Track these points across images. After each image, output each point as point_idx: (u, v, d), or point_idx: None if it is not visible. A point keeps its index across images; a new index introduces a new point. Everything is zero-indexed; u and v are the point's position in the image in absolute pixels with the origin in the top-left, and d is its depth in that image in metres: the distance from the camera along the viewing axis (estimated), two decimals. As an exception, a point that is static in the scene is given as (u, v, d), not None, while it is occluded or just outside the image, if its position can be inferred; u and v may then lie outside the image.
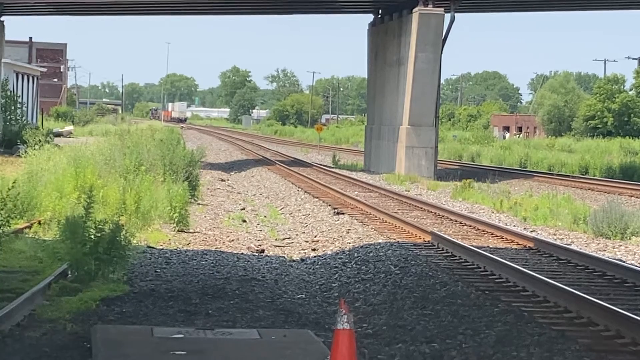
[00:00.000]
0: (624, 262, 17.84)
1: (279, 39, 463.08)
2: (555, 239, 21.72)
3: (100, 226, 14.30)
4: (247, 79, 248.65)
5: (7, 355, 9.76)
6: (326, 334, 10.90)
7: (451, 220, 25.19)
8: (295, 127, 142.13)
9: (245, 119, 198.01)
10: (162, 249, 18.56)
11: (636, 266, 17.40)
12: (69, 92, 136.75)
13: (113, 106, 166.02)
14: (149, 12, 66.74)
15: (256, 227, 24.35)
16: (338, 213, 26.69)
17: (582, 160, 54.58)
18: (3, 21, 53.68)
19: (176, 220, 21.95)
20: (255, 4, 58.31)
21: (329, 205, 29.04)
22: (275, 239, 22.15)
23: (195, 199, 28.60)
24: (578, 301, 13.04)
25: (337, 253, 19.54)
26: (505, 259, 17.07)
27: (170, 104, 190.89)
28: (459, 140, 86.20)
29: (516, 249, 19.97)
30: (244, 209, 28.51)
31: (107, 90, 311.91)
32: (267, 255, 19.16)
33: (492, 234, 22.09)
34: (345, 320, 7.59)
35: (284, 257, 19.24)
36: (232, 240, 21.02)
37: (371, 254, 18.77)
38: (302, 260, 18.96)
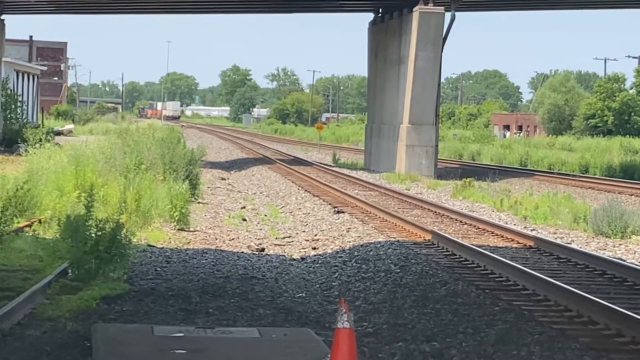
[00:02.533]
0: (624, 260, 17.85)
1: (280, 38, 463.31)
2: (556, 238, 21.72)
3: (100, 225, 14.30)
4: (248, 77, 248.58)
5: (7, 353, 9.77)
6: (326, 332, 10.90)
7: (451, 219, 25.20)
8: (296, 125, 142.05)
9: (246, 117, 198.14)
10: (163, 247, 18.56)
11: (636, 265, 17.40)
12: (70, 91, 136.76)
13: (113, 105, 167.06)
14: (150, 10, 66.80)
15: (256, 225, 24.35)
16: (338, 212, 26.70)
17: (583, 159, 54.58)
18: (3, 20, 53.73)
19: (176, 218, 21.95)
20: (255, 2, 58.31)
21: (329, 204, 29.05)
22: (276, 238, 22.15)
23: (196, 197, 28.60)
24: (578, 300, 13.05)
25: (338, 252, 19.54)
26: (506, 258, 17.08)
27: (159, 103, 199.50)
28: (459, 139, 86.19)
29: (516, 247, 19.98)
30: (244, 207, 28.51)
31: (107, 88, 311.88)
32: (267, 254, 19.17)
33: (492, 233, 22.10)
34: (346, 319, 7.59)
35: (284, 255, 19.24)
36: (233, 239, 21.02)
37: (371, 253, 18.77)
38: (303, 259, 18.96)
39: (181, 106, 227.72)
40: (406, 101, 46.07)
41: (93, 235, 14.19)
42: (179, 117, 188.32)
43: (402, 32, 47.72)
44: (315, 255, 19.29)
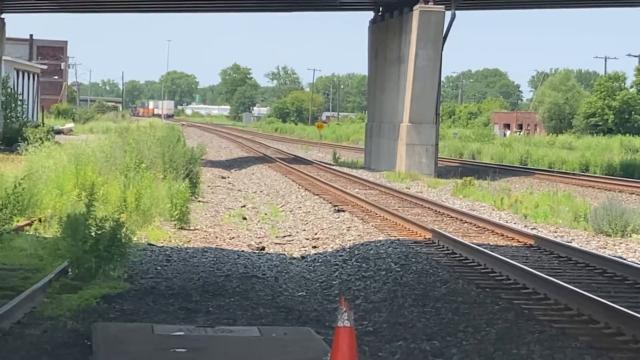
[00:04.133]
0: (624, 259, 17.86)
1: (280, 37, 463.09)
2: (556, 237, 21.72)
3: (100, 224, 14.29)
4: (248, 76, 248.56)
5: (7, 352, 9.77)
6: (327, 331, 10.90)
7: (452, 217, 25.20)
8: (296, 124, 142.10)
9: (246, 116, 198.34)
10: (163, 246, 18.56)
11: (637, 264, 17.39)
12: (70, 90, 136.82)
13: (113, 103, 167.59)
14: (150, 9, 66.82)
15: (257, 224, 24.35)
16: (338, 210, 26.69)
17: (583, 157, 54.59)
18: (4, 18, 53.73)
19: (177, 217, 21.95)
20: (255, 1, 58.32)
21: (330, 202, 29.04)
22: (276, 237, 22.15)
23: (196, 196, 28.60)
24: (578, 299, 13.05)
25: (338, 250, 19.54)
26: (506, 257, 17.07)
27: (151, 102, 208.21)
28: (459, 138, 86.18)
29: (517, 246, 19.98)
30: (244, 206, 28.51)
31: (107, 87, 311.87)
32: (267, 253, 19.16)
33: (492, 232, 22.09)
34: (346, 317, 7.58)
35: (285, 254, 19.24)
36: (233, 237, 21.02)
37: (372, 252, 18.77)
38: (303, 257, 18.96)
39: (181, 105, 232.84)
40: (406, 100, 46.07)
41: (93, 234, 14.19)
42: (172, 116, 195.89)
43: (402, 31, 47.71)
44: (315, 254, 19.28)
